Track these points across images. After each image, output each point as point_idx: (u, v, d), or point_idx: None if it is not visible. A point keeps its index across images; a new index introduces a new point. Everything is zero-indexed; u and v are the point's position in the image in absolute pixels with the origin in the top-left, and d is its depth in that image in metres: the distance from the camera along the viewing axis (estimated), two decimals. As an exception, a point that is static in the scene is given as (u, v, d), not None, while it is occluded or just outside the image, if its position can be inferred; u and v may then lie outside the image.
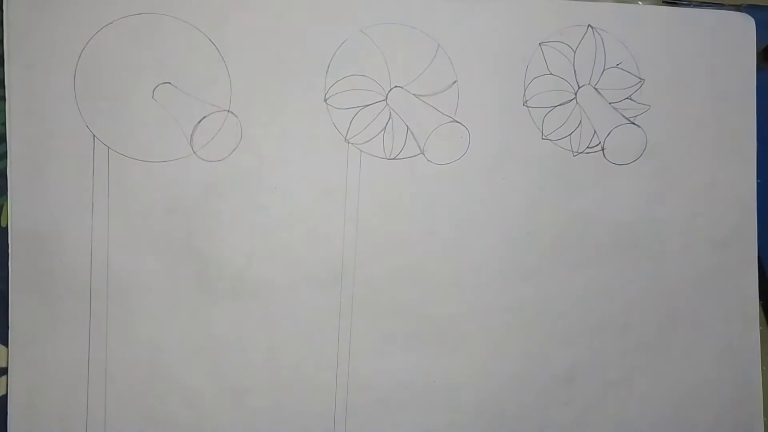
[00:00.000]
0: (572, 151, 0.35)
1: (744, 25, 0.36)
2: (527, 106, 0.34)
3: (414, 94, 0.33)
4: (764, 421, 0.36)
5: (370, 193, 0.33)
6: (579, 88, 0.34)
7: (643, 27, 0.35)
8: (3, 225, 0.31)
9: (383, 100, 0.33)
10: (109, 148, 0.31)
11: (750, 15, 0.36)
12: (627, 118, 0.35)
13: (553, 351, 0.35)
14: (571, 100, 0.34)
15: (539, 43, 0.34)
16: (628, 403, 0.36)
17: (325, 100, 0.32)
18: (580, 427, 0.36)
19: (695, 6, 0.36)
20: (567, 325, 0.35)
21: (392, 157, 0.33)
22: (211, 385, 0.32)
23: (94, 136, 0.31)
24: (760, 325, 0.36)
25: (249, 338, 0.32)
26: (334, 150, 0.33)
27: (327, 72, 0.32)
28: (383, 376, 0.34)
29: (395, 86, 0.33)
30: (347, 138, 0.33)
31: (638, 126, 0.35)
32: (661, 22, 0.35)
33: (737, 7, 0.36)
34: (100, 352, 0.32)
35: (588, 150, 0.35)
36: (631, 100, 0.35)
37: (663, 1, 0.36)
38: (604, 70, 0.35)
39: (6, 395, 0.31)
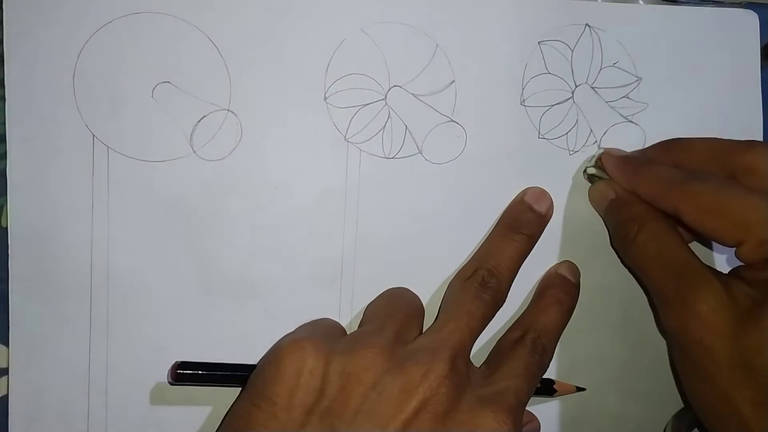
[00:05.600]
0: (568, 150, 0.35)
1: (746, 21, 0.36)
2: (525, 106, 0.34)
3: (412, 94, 0.33)
4: None
5: (370, 192, 0.33)
6: (576, 87, 0.35)
7: (640, 26, 0.35)
8: (3, 225, 0.31)
9: (382, 99, 0.33)
10: (108, 147, 0.31)
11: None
12: (624, 116, 0.35)
13: (551, 348, 0.35)
14: (568, 99, 0.35)
15: (538, 42, 0.34)
16: (627, 399, 0.36)
17: (325, 99, 0.33)
18: (579, 424, 0.36)
19: (695, 4, 0.36)
20: (565, 322, 0.35)
21: (391, 156, 0.33)
22: (213, 384, 0.32)
23: (93, 135, 0.31)
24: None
25: (250, 337, 0.32)
26: (334, 149, 0.33)
27: (327, 71, 0.32)
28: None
29: (394, 86, 0.33)
30: (347, 137, 0.33)
31: (636, 124, 0.35)
32: (659, 21, 0.35)
33: (738, 5, 0.36)
34: (101, 352, 0.31)
35: (584, 149, 0.35)
36: (629, 98, 0.35)
37: (663, 0, 0.36)
38: (601, 69, 0.35)
39: (6, 396, 0.31)
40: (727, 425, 0.28)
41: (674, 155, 0.32)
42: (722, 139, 0.32)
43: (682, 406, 0.36)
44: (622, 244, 0.33)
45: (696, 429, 0.34)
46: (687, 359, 0.30)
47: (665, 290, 0.30)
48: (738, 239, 0.28)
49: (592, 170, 0.34)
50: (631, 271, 0.35)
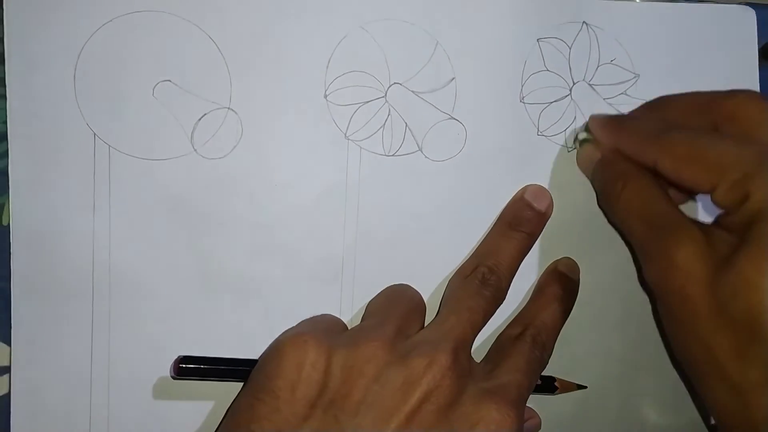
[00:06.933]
0: (567, 147, 0.35)
1: (744, 18, 0.36)
2: (524, 103, 0.34)
3: (413, 91, 0.33)
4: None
5: (370, 189, 0.33)
6: (574, 84, 0.35)
7: (637, 23, 0.35)
8: (4, 224, 0.31)
9: (383, 97, 0.33)
10: (109, 146, 0.31)
11: (747, 10, 0.36)
12: (622, 113, 0.35)
13: (551, 345, 0.35)
14: (566, 96, 0.35)
15: (537, 40, 0.34)
16: (629, 397, 0.36)
17: (325, 96, 0.33)
18: (580, 421, 0.36)
19: (692, 1, 0.36)
20: (565, 319, 0.35)
21: (391, 153, 0.33)
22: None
23: (94, 134, 0.31)
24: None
25: (251, 334, 0.32)
26: (335, 146, 0.33)
27: (327, 68, 0.33)
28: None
29: (394, 83, 0.33)
30: (347, 134, 0.33)
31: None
32: (656, 18, 0.35)
33: (735, 2, 0.36)
34: (102, 349, 0.32)
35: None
36: (626, 95, 0.35)
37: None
38: (598, 66, 0.35)
39: (8, 394, 0.31)
40: (709, 376, 0.28)
41: (659, 112, 0.33)
42: (705, 92, 0.31)
43: (685, 400, 0.36)
44: (608, 201, 0.33)
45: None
46: (668, 311, 0.30)
47: (647, 243, 0.30)
48: (712, 183, 0.28)
49: (583, 135, 0.35)
50: (617, 230, 0.35)
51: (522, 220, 0.34)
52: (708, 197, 0.29)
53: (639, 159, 0.31)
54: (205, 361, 0.31)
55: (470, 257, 0.34)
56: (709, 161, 0.28)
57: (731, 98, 0.30)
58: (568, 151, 0.35)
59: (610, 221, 0.35)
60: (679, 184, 0.30)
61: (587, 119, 0.35)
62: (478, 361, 0.32)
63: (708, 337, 0.27)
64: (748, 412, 0.27)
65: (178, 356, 0.31)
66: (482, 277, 0.32)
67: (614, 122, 0.33)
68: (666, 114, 0.32)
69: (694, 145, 0.29)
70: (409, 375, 0.28)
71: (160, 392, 0.32)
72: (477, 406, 0.28)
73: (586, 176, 0.35)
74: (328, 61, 0.33)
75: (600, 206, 0.35)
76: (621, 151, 0.32)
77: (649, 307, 0.36)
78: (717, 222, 0.30)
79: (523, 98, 0.34)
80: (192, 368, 0.30)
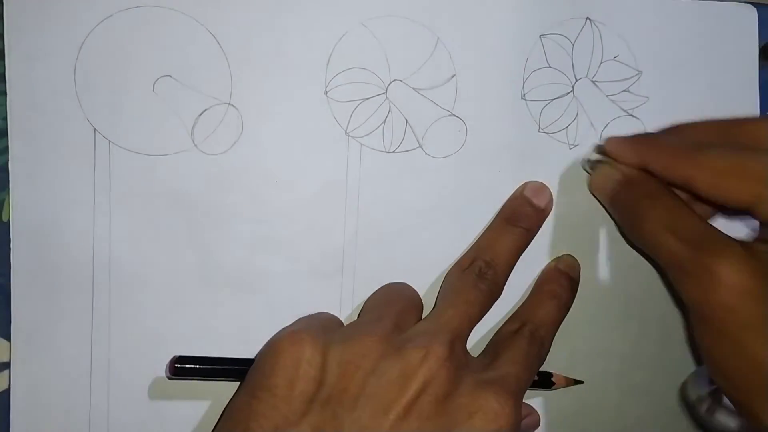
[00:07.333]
0: (569, 144, 0.35)
1: (745, 16, 0.36)
2: (525, 99, 0.34)
3: (413, 88, 0.33)
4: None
5: (370, 186, 0.33)
6: (576, 80, 0.35)
7: (641, 20, 0.35)
8: (4, 220, 0.31)
9: (383, 94, 0.33)
10: (110, 141, 0.31)
11: (748, 10, 0.36)
12: (624, 110, 0.35)
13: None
14: (569, 93, 0.35)
15: (539, 36, 0.34)
16: (627, 393, 0.36)
17: (326, 92, 0.33)
18: (580, 417, 0.36)
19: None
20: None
21: (392, 150, 0.33)
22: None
23: (95, 129, 0.31)
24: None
25: (251, 330, 0.32)
26: (335, 143, 0.33)
27: (327, 65, 0.32)
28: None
29: (395, 80, 0.33)
30: (347, 131, 0.33)
31: (636, 117, 0.35)
32: (660, 15, 0.35)
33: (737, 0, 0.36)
34: (102, 345, 0.32)
35: (584, 142, 0.35)
36: (629, 92, 0.35)
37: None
38: (601, 63, 0.35)
39: (8, 390, 0.31)
40: (756, 390, 0.27)
41: (679, 136, 0.32)
42: (722, 118, 0.31)
43: (683, 392, 0.36)
44: (635, 222, 0.32)
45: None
46: (711, 327, 0.29)
47: (684, 261, 0.29)
48: (755, 195, 0.28)
49: (596, 156, 0.34)
50: (640, 251, 0.35)
51: (521, 216, 0.33)
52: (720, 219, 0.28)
53: (669, 176, 0.30)
54: (201, 361, 0.31)
55: (468, 251, 0.34)
56: (751, 173, 0.28)
57: (752, 120, 0.30)
58: (570, 149, 0.35)
59: (631, 243, 0.35)
60: (714, 200, 0.29)
61: (599, 141, 0.34)
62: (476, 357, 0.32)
63: (758, 350, 0.27)
64: None
65: (174, 356, 0.31)
66: (479, 270, 0.32)
67: (639, 140, 0.32)
68: (686, 137, 0.32)
69: (733, 159, 0.28)
70: (406, 366, 0.28)
71: (158, 390, 0.32)
72: (475, 396, 0.28)
73: (602, 199, 0.34)
74: (329, 58, 0.32)
75: (622, 227, 0.35)
76: (646, 170, 0.32)
77: (648, 303, 0.36)
78: (756, 237, 0.29)
79: (524, 95, 0.34)
80: (187, 368, 0.30)
